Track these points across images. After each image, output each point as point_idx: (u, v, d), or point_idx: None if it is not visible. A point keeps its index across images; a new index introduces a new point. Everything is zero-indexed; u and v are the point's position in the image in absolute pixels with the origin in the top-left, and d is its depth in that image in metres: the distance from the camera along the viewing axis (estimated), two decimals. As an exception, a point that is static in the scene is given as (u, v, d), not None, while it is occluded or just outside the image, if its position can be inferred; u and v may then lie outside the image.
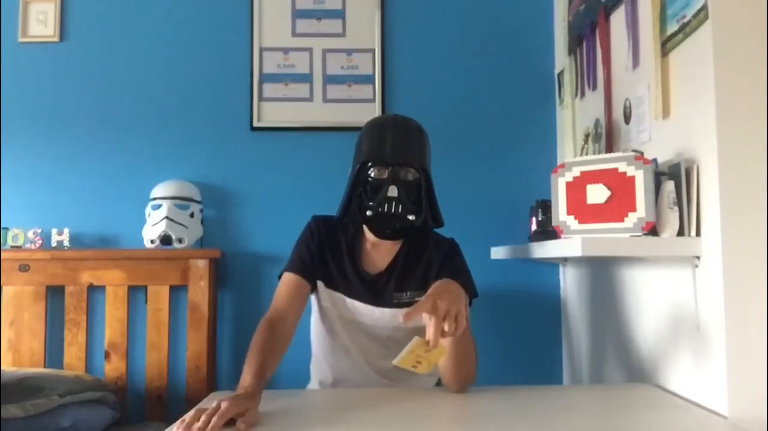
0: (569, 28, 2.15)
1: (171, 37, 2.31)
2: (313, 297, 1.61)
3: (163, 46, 2.30)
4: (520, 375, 2.23)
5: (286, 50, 2.31)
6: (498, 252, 2.16)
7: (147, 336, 2.13)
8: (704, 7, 1.31)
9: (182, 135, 2.28)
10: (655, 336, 1.58)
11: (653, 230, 1.38)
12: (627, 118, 1.72)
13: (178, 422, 1.08)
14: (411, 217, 1.49)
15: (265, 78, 2.30)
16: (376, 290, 1.55)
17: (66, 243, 2.13)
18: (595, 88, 1.96)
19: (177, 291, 2.17)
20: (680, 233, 1.37)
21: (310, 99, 2.30)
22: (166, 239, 2.09)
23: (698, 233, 1.34)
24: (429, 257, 1.55)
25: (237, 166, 2.28)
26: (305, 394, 1.57)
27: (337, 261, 1.56)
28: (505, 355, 2.24)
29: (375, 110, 2.28)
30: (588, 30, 1.98)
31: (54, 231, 2.13)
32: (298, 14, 2.32)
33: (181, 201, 2.14)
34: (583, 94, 2.07)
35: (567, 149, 2.13)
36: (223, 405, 1.10)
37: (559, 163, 2.15)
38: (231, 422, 1.10)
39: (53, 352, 2.15)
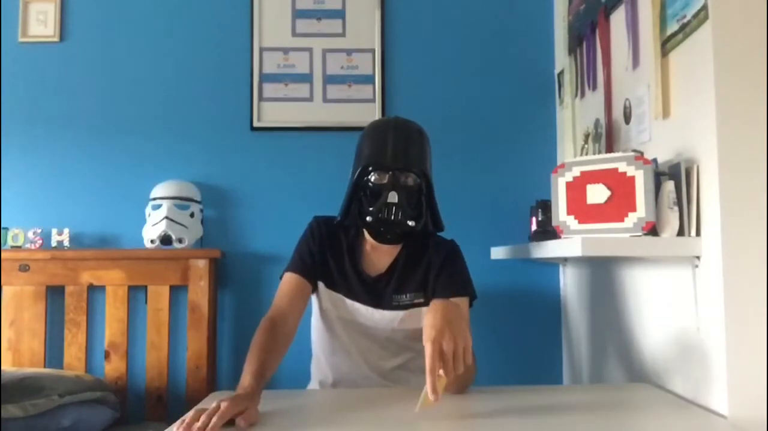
0: (569, 28, 2.15)
1: (171, 38, 2.30)
2: (313, 298, 1.61)
3: (163, 46, 2.30)
4: (520, 375, 2.23)
5: (286, 50, 2.31)
6: (498, 252, 2.16)
7: (147, 336, 2.13)
8: (704, 7, 1.31)
9: (182, 135, 2.28)
10: (655, 336, 1.58)
11: (653, 230, 1.38)
12: (627, 118, 1.72)
13: (178, 422, 1.09)
14: (411, 223, 1.48)
15: (265, 78, 2.30)
16: (376, 291, 1.55)
17: (66, 243, 2.13)
18: (595, 88, 1.96)
19: (177, 291, 2.17)
20: (680, 233, 1.37)
21: (310, 99, 2.30)
22: (166, 239, 2.09)
23: (698, 233, 1.34)
24: (429, 259, 1.55)
25: (237, 166, 2.28)
26: (305, 394, 1.57)
27: (338, 262, 1.56)
28: (505, 355, 2.24)
29: (375, 110, 2.28)
30: (588, 30, 1.98)
31: (54, 231, 2.13)
32: (298, 14, 2.32)
33: (181, 201, 2.14)
34: (583, 94, 2.07)
35: (567, 149, 2.13)
36: (223, 405, 1.10)
37: (559, 163, 2.15)
38: (231, 422, 1.10)
39: (53, 352, 2.15)
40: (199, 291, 2.12)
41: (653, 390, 1.47)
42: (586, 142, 1.89)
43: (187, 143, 2.28)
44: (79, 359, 2.12)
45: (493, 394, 1.36)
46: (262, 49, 2.31)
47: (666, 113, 1.50)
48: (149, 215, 2.15)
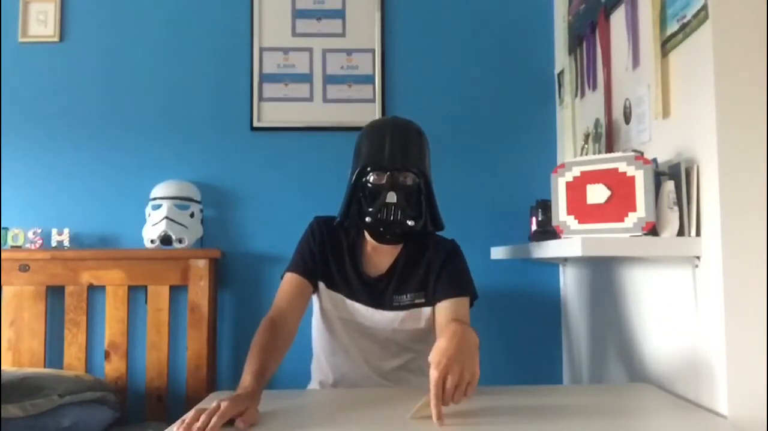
0: (569, 28, 2.15)
1: (171, 38, 2.31)
2: (314, 298, 1.61)
3: (162, 46, 2.30)
4: (520, 375, 2.23)
5: (286, 50, 2.31)
6: (498, 252, 2.16)
7: (147, 336, 2.13)
8: (704, 7, 1.31)
9: (182, 135, 2.28)
10: (655, 336, 1.58)
11: (653, 230, 1.38)
12: (627, 118, 1.72)
13: (178, 422, 1.09)
14: (410, 222, 1.48)
15: (265, 78, 2.30)
16: (376, 292, 1.55)
17: (66, 243, 2.13)
18: (595, 88, 1.96)
19: (177, 291, 2.17)
20: (680, 233, 1.37)
21: (310, 99, 2.30)
22: (166, 239, 2.09)
23: (698, 233, 1.34)
24: (429, 259, 1.55)
25: (237, 166, 2.28)
26: (305, 394, 1.57)
27: (338, 262, 1.56)
28: (505, 355, 2.24)
29: (375, 110, 2.28)
30: (588, 30, 1.98)
31: (54, 231, 2.13)
32: (298, 14, 2.32)
33: (181, 201, 2.14)
34: (583, 94, 2.07)
35: (567, 149, 2.13)
36: (223, 405, 1.10)
37: (559, 163, 2.15)
38: (231, 422, 1.10)
39: (53, 352, 2.15)
40: (199, 291, 2.12)
41: (653, 390, 1.47)
42: (586, 142, 1.89)
43: (187, 143, 2.28)
44: (79, 359, 2.12)
45: (493, 394, 1.36)
46: (262, 49, 2.31)
47: (666, 112, 1.50)
48: (149, 215, 2.15)
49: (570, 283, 2.20)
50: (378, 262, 1.57)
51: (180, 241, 2.10)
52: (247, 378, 1.22)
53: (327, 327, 1.59)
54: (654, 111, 1.53)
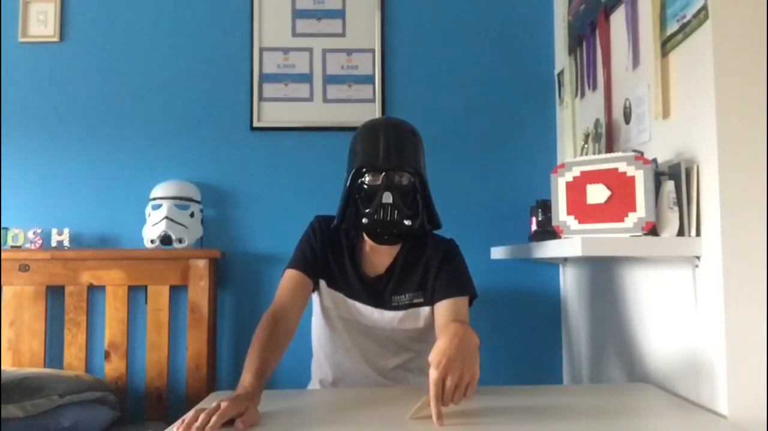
0: (569, 28, 2.15)
1: (171, 38, 2.30)
2: (315, 296, 1.61)
3: (163, 46, 2.30)
4: (520, 375, 2.23)
5: (286, 50, 2.31)
6: (498, 252, 2.16)
7: (147, 336, 2.13)
8: (704, 7, 1.31)
9: (182, 135, 2.28)
10: (655, 336, 1.58)
11: (653, 230, 1.38)
12: (627, 118, 1.72)
13: (178, 422, 1.09)
14: (407, 222, 1.48)
15: (265, 78, 2.30)
16: (376, 292, 1.55)
17: (66, 243, 2.13)
18: (595, 88, 1.96)
19: (177, 291, 2.17)
20: (680, 233, 1.37)
21: (310, 99, 2.30)
22: (166, 239, 2.09)
23: (698, 233, 1.34)
24: (428, 259, 1.55)
25: (237, 166, 2.28)
26: (305, 394, 1.57)
27: (338, 262, 1.57)
28: (505, 355, 2.24)
29: (375, 110, 2.28)
30: (588, 30, 1.98)
31: (54, 231, 2.13)
32: (298, 14, 2.32)
33: (181, 201, 2.14)
34: (583, 94, 2.07)
35: (567, 149, 2.13)
36: (223, 405, 1.10)
37: (559, 163, 2.15)
38: (231, 422, 1.10)
39: (53, 352, 2.15)
40: (199, 291, 2.11)
41: (653, 390, 1.47)
42: (586, 142, 1.89)
43: (187, 143, 2.28)
44: (79, 359, 2.12)
45: (493, 394, 1.36)
46: (262, 49, 2.31)
47: (666, 113, 1.50)
48: (149, 215, 2.15)
49: (570, 283, 2.20)
50: (376, 262, 1.57)
51: (180, 241, 2.10)
52: (247, 377, 1.22)
53: (327, 325, 1.59)
54: (654, 111, 1.53)
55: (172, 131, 2.28)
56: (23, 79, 2.27)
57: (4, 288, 2.13)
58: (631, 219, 1.38)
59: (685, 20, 1.39)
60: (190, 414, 1.09)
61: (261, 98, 2.29)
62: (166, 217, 2.09)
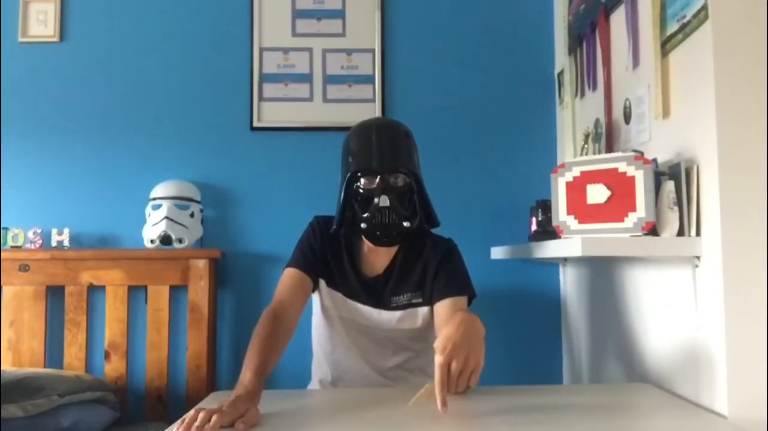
0: (569, 28, 2.15)
1: (171, 37, 2.30)
2: (315, 296, 1.61)
3: (163, 46, 2.30)
4: (520, 375, 2.23)
5: (286, 50, 2.31)
6: (498, 252, 2.16)
7: (147, 336, 2.13)
8: (704, 7, 1.31)
9: (182, 135, 2.28)
10: (655, 336, 1.58)
11: (653, 230, 1.38)
12: (627, 118, 1.72)
13: (178, 422, 1.08)
14: (406, 223, 1.49)
15: (265, 78, 2.30)
16: (375, 292, 1.55)
17: (66, 243, 2.13)
18: (595, 88, 1.96)
19: (177, 291, 2.17)
20: (680, 233, 1.37)
21: (310, 99, 2.30)
22: (166, 239, 2.09)
23: (698, 233, 1.34)
24: (426, 258, 1.56)
25: (237, 166, 2.28)
26: (305, 394, 1.57)
27: (338, 262, 1.57)
28: (505, 355, 2.23)
29: (375, 110, 2.28)
30: (588, 30, 1.98)
31: (54, 231, 2.13)
32: (298, 14, 2.32)
33: (181, 201, 2.14)
34: (583, 94, 2.07)
35: (567, 149, 2.13)
36: (224, 407, 1.09)
37: (559, 163, 2.15)
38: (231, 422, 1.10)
39: (53, 352, 2.15)
40: (199, 291, 2.11)
41: (653, 390, 1.47)
42: (586, 142, 1.89)
43: (187, 143, 2.27)
44: (79, 359, 2.12)
45: (493, 394, 1.36)
46: (262, 49, 2.31)
47: (666, 113, 1.50)
48: (149, 215, 2.15)
49: (570, 283, 2.20)
50: (375, 262, 1.57)
51: (180, 241, 2.10)
52: (247, 375, 1.22)
53: (327, 324, 1.60)
54: (654, 111, 1.53)
55: (172, 131, 2.28)
56: (23, 79, 2.27)
57: (4, 288, 2.13)
58: (631, 219, 1.38)
59: (685, 20, 1.39)
60: (191, 413, 1.09)
61: (261, 98, 2.29)
62: (166, 217, 2.09)
